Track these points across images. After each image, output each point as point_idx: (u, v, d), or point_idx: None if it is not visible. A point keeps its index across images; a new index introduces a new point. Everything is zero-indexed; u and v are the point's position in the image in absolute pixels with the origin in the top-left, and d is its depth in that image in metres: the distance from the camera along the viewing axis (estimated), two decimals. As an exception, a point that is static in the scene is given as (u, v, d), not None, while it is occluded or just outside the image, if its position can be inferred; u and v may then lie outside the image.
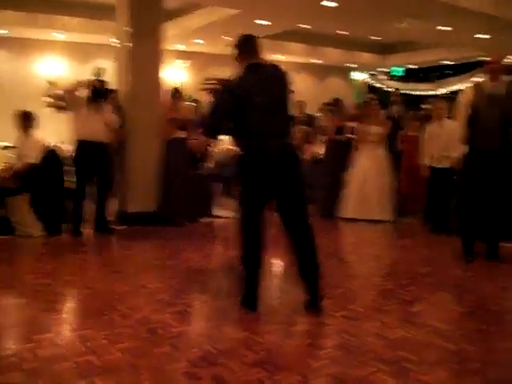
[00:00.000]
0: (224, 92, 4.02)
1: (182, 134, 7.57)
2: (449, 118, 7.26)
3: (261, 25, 11.24)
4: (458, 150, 5.84)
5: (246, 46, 4.14)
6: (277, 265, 5.46)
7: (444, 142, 6.99)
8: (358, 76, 18.84)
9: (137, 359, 3.06)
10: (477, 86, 5.80)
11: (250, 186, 3.99)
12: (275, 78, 4.07)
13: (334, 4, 9.39)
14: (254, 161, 3.94)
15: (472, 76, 15.18)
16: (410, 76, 18.43)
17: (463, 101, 5.79)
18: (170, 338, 3.38)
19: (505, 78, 5.67)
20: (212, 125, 4.08)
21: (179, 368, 2.98)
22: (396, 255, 6.26)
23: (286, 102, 4.06)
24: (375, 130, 8.21)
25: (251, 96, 3.88)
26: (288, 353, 3.21)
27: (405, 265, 5.64)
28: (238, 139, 4.08)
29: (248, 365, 3.00)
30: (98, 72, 6.61)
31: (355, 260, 5.97)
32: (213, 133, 4.38)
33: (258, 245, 3.99)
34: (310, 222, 4.00)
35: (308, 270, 3.95)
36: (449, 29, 11.32)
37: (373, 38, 15.13)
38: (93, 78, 6.64)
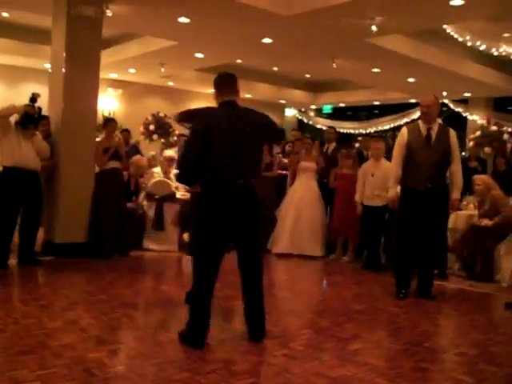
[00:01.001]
0: (191, 136, 4.06)
1: (115, 164, 7.42)
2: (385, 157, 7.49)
3: (196, 58, 11.30)
4: (392, 190, 5.94)
5: (221, 83, 4.16)
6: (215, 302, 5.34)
7: (379, 181, 7.13)
8: (290, 112, 19.21)
9: (72, 402, 2.89)
10: (412, 126, 5.97)
11: (208, 225, 3.95)
12: (248, 119, 4.06)
13: (269, 40, 9.57)
14: (213, 198, 3.94)
15: (402, 117, 15.81)
16: (339, 114, 18.92)
17: (398, 141, 5.93)
18: (107, 379, 3.22)
19: (438, 119, 5.89)
20: (185, 176, 4.12)
21: (118, 411, 2.84)
22: (329, 292, 6.29)
23: (257, 147, 4.09)
24: (308, 165, 8.33)
25: (216, 133, 3.89)
26: (231, 394, 3.13)
27: (338, 302, 5.66)
28: (201, 175, 4.02)
29: (191, 407, 2.90)
30: (34, 97, 6.38)
31: (289, 297, 5.94)
32: (187, 182, 4.45)
33: (212, 285, 3.96)
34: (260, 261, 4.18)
35: (255, 304, 4.12)
36: (380, 71, 11.73)
37: (306, 76, 15.50)
38: (27, 103, 6.40)
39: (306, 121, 19.27)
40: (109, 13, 7.60)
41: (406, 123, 15.56)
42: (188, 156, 4.00)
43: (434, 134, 5.73)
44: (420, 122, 5.89)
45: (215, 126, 3.93)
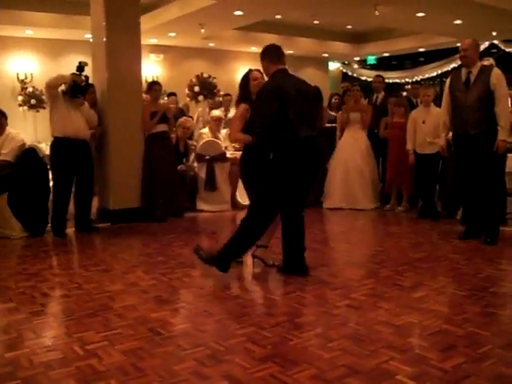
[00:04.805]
0: (267, 96, 4.42)
1: (163, 128, 7.43)
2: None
3: (236, 16, 11.10)
4: (442, 138, 5.98)
5: (272, 54, 4.48)
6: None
7: (430, 128, 7.00)
8: (332, 66, 18.80)
9: (142, 360, 2.92)
10: (455, 72, 5.93)
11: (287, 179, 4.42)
12: (305, 84, 4.55)
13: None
14: (290, 155, 4.33)
15: (449, 62, 15.28)
16: (383, 64, 18.42)
17: (445, 88, 5.95)
18: (173, 337, 3.25)
19: (480, 62, 5.72)
20: (264, 135, 4.46)
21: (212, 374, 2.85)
22: (387, 242, 6.19)
23: (316, 107, 4.78)
24: (357, 116, 8.17)
25: (288, 96, 4.30)
26: (297, 345, 3.10)
27: (397, 251, 5.59)
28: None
29: (258, 360, 2.88)
30: (81, 66, 6.37)
31: (347, 248, 5.88)
32: (265, 142, 4.62)
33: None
34: None
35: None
36: (424, 15, 11.30)
37: (347, 27, 15.08)
38: (74, 72, 6.41)
39: (350, 73, 18.84)
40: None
41: (454, 69, 15.11)
42: (266, 114, 4.25)
43: (472, 78, 5.60)
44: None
45: (287, 89, 4.24)
